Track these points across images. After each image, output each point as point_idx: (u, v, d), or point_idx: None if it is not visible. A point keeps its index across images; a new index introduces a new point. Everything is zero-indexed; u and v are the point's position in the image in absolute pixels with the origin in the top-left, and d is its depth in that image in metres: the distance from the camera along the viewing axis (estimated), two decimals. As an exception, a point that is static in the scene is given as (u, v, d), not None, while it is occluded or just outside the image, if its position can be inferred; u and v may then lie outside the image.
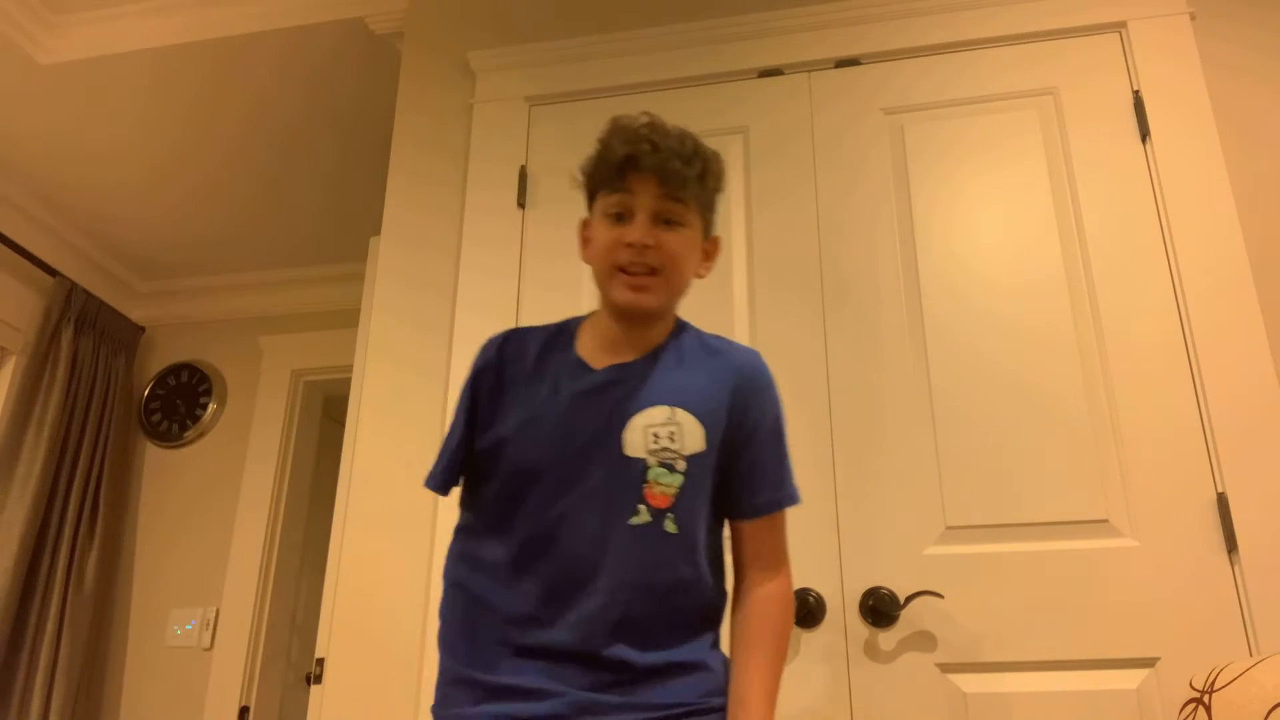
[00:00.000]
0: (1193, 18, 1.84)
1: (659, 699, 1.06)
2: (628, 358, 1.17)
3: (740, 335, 1.81)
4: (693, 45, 2.06)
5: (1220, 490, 1.55)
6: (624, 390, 1.14)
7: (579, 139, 2.02)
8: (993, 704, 1.51)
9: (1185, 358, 1.64)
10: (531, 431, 1.14)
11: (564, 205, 1.99)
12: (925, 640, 1.56)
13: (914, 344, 1.74)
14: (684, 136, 1.16)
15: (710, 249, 1.23)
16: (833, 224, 1.86)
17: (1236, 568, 1.51)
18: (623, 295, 1.14)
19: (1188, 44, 1.82)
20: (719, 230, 1.25)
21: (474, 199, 2.02)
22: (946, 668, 1.54)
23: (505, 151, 2.05)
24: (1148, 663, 1.48)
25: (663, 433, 1.11)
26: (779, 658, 1.13)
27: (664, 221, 1.14)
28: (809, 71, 1.99)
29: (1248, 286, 1.65)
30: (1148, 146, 1.78)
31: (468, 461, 1.19)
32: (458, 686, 1.10)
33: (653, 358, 1.18)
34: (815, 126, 1.94)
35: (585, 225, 1.23)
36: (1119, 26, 1.87)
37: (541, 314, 1.90)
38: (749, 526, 1.19)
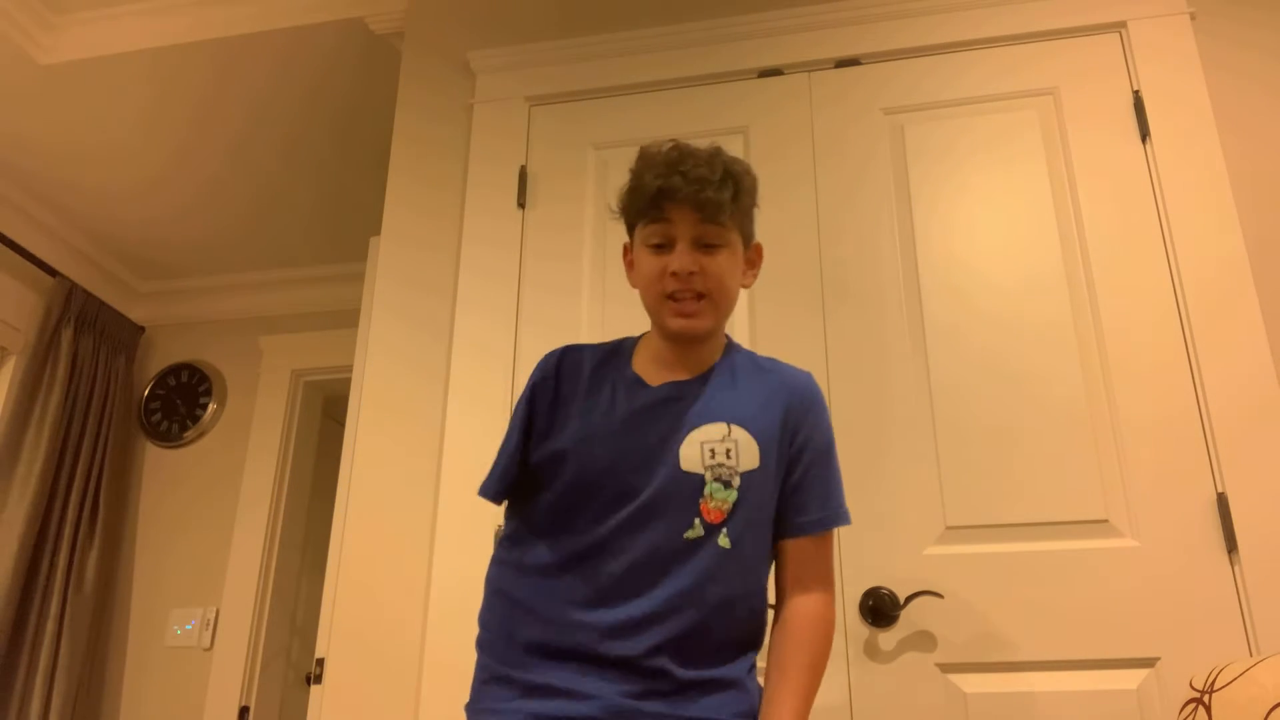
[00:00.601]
0: (1193, 18, 1.84)
1: (693, 713, 1.07)
2: (682, 376, 1.20)
3: (740, 334, 1.81)
4: (693, 45, 2.06)
5: (1220, 490, 1.55)
6: (681, 407, 1.17)
7: (579, 139, 2.05)
8: (993, 704, 1.51)
9: (1185, 358, 1.64)
10: (591, 445, 1.17)
11: (564, 205, 1.99)
12: (925, 640, 1.56)
13: (914, 344, 1.74)
14: (712, 160, 1.17)
15: (754, 257, 1.26)
16: (833, 224, 1.86)
17: (1236, 568, 1.51)
18: (674, 323, 1.17)
19: (1188, 44, 1.82)
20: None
21: (474, 199, 2.02)
22: (946, 668, 1.54)
23: (505, 151, 2.05)
24: (1148, 663, 1.48)
25: (719, 449, 1.14)
26: (813, 680, 1.11)
27: (704, 246, 1.16)
28: (809, 71, 1.99)
29: (1248, 286, 1.65)
30: (1148, 147, 1.78)
31: (521, 473, 1.22)
32: (493, 684, 1.12)
33: (706, 376, 1.21)
34: (815, 127, 1.94)
35: (627, 250, 1.28)
36: (1119, 26, 1.87)
37: (542, 315, 1.90)
38: (793, 545, 1.18)
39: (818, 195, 1.88)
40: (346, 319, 3.32)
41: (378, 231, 2.11)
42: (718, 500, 1.11)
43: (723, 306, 1.19)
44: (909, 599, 1.55)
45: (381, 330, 1.98)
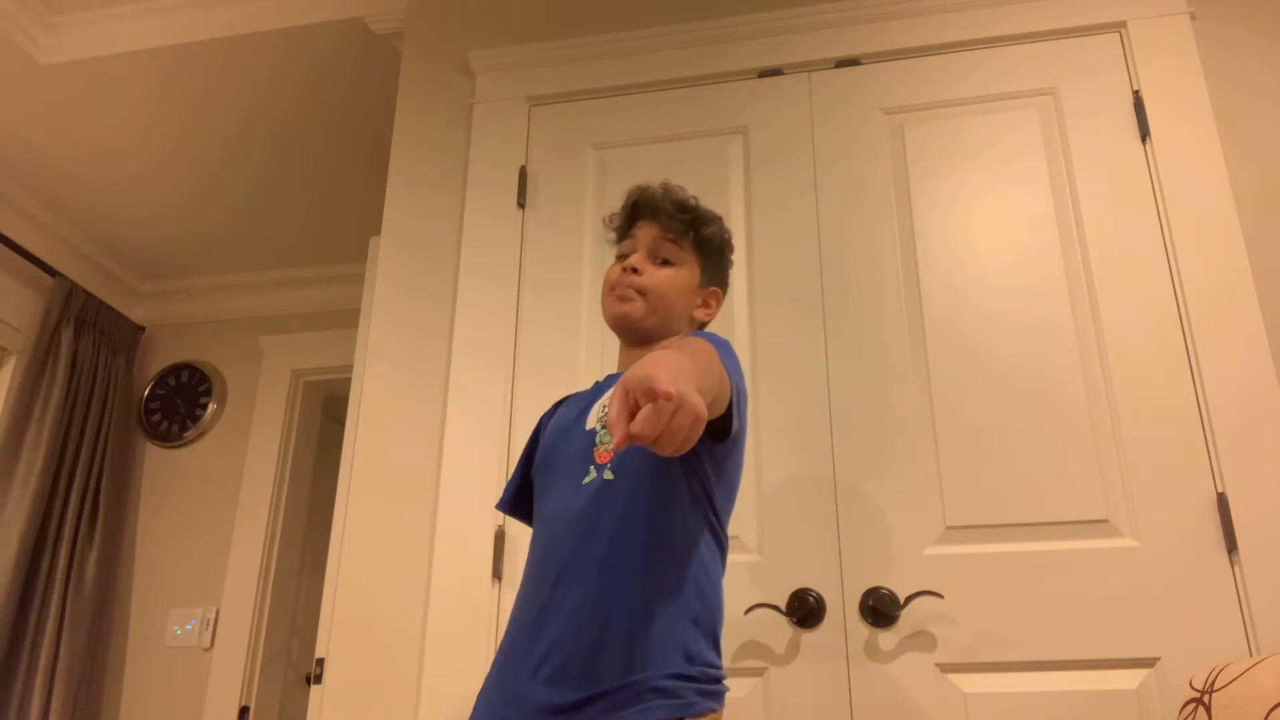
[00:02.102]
0: (1193, 18, 1.84)
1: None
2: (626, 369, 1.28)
3: (740, 332, 1.81)
4: (693, 45, 2.06)
5: (1220, 490, 1.55)
6: (604, 389, 1.28)
7: (579, 139, 2.05)
8: (993, 704, 1.51)
9: (1185, 358, 1.64)
10: (545, 438, 1.32)
11: (564, 207, 1.99)
12: (925, 640, 1.56)
13: (914, 343, 1.74)
14: (688, 198, 1.35)
15: (710, 299, 1.37)
16: (832, 224, 1.86)
17: (1236, 568, 1.51)
18: (610, 308, 1.31)
19: (1188, 44, 1.82)
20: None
21: (474, 199, 2.02)
22: (946, 668, 1.54)
23: (505, 152, 2.05)
24: (1148, 663, 1.48)
25: (606, 401, 1.22)
26: (693, 354, 0.99)
27: (660, 260, 1.32)
28: (809, 72, 1.99)
29: (1248, 286, 1.65)
30: (1148, 146, 1.78)
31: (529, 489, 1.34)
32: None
33: None
34: (815, 127, 1.94)
35: None
36: (1119, 26, 1.87)
37: (542, 316, 1.91)
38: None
39: (818, 196, 1.88)
40: (346, 319, 3.32)
41: (378, 231, 2.11)
42: (605, 445, 1.18)
43: (658, 307, 1.29)
44: (909, 599, 1.55)
45: (381, 332, 1.98)
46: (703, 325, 1.37)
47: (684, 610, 1.09)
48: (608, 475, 1.15)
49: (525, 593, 1.17)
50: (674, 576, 1.11)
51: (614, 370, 1.41)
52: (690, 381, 0.85)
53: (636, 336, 1.31)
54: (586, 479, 1.17)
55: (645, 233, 1.34)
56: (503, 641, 1.17)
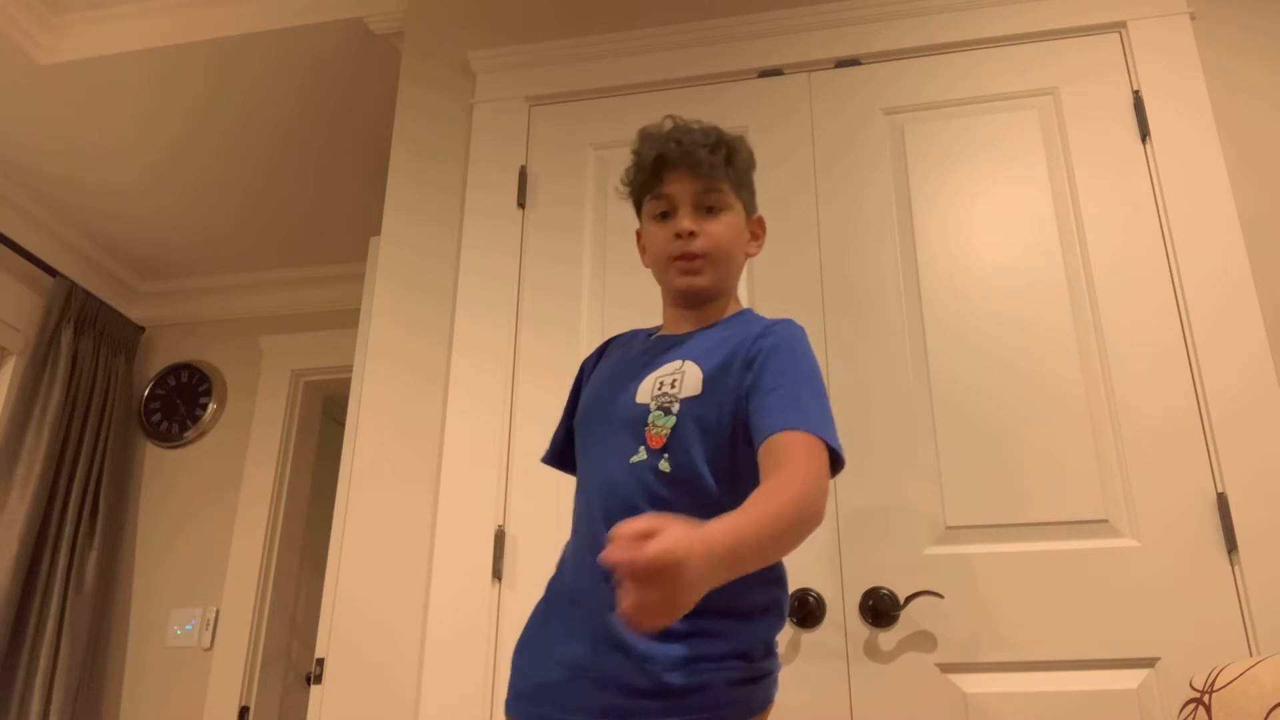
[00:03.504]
0: (1193, 18, 1.84)
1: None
2: (680, 331, 1.25)
3: (740, 335, 1.81)
4: (693, 45, 2.06)
5: (1220, 490, 1.55)
6: (658, 352, 1.22)
7: (579, 139, 2.05)
8: (993, 704, 1.51)
9: (1185, 357, 1.64)
10: (590, 387, 1.29)
11: (564, 207, 1.99)
12: (925, 640, 1.56)
13: (914, 343, 1.74)
14: (706, 129, 1.24)
15: (756, 229, 1.31)
16: (833, 225, 1.86)
17: (1236, 568, 1.51)
18: (678, 280, 1.23)
19: (1188, 44, 1.82)
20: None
21: (474, 200, 2.02)
22: (946, 668, 1.54)
23: (505, 152, 2.05)
24: (1148, 663, 1.48)
25: (667, 380, 1.17)
26: (767, 513, 0.95)
27: (706, 210, 1.22)
28: (809, 72, 1.99)
29: (1248, 286, 1.65)
30: (1148, 146, 1.78)
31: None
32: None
33: (700, 332, 1.23)
34: (815, 127, 1.94)
35: (639, 235, 1.33)
36: (1119, 26, 1.87)
37: (542, 316, 1.90)
38: (761, 450, 1.08)
39: (818, 196, 1.88)
40: (346, 319, 3.32)
41: (378, 231, 2.11)
42: (659, 427, 1.13)
43: (723, 267, 1.23)
44: (909, 599, 1.55)
45: (381, 332, 1.98)
46: (748, 258, 1.29)
47: (738, 596, 1.06)
48: (664, 466, 1.11)
49: (573, 547, 1.20)
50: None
51: (660, 326, 1.32)
52: (720, 569, 0.86)
53: (700, 301, 1.25)
54: (635, 458, 1.12)
55: (682, 186, 1.22)
56: (555, 581, 1.21)
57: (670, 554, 0.78)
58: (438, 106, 2.15)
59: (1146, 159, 1.77)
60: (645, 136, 1.26)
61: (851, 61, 1.98)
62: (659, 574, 0.78)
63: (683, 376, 1.15)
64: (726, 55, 2.04)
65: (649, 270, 1.31)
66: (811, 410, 1.08)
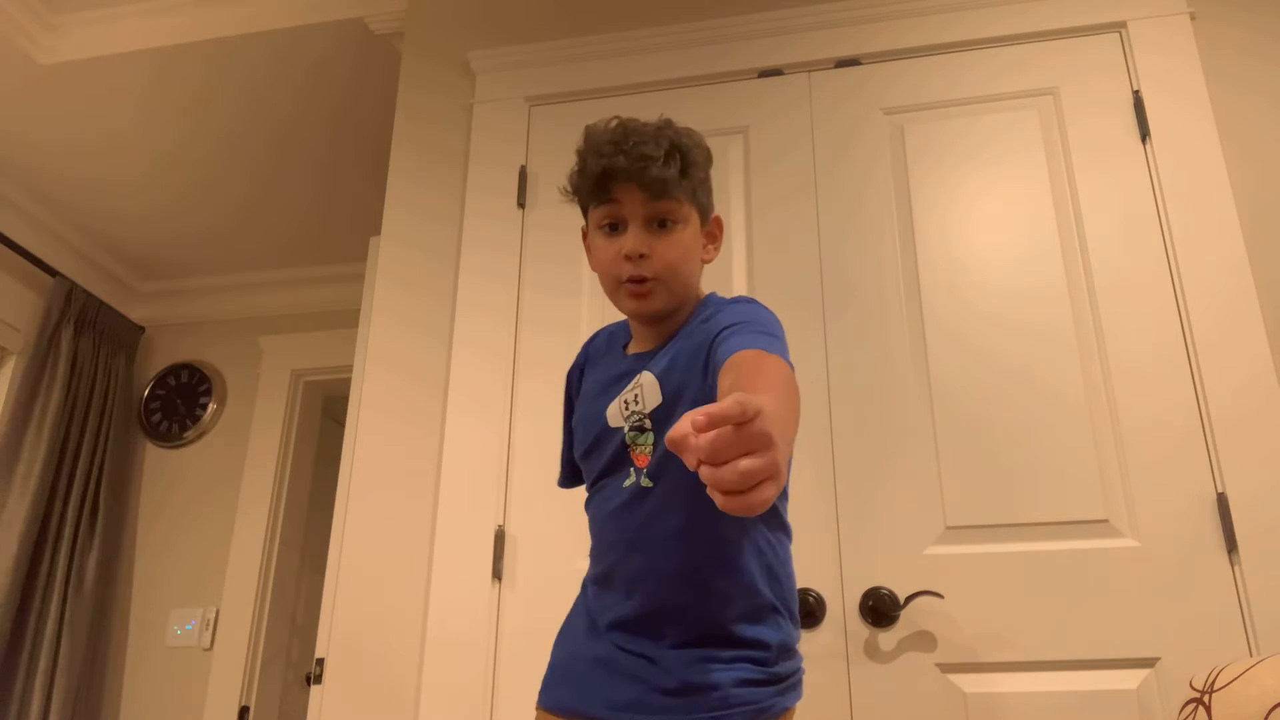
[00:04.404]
0: (1193, 18, 1.84)
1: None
2: (648, 348, 1.21)
3: (740, 335, 1.81)
4: (693, 45, 2.06)
5: (1220, 490, 1.55)
6: (628, 372, 1.19)
7: (579, 139, 2.04)
8: (993, 704, 1.51)
9: (1185, 357, 1.64)
10: (580, 410, 1.25)
11: (564, 207, 1.97)
12: (925, 640, 1.56)
13: (914, 343, 1.74)
14: (659, 134, 1.14)
15: (714, 230, 1.24)
16: (833, 225, 1.86)
17: (1236, 568, 1.51)
18: (627, 305, 1.18)
19: (1188, 44, 1.82)
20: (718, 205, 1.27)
21: (474, 200, 2.02)
22: (946, 668, 1.54)
23: (505, 152, 2.05)
24: (1148, 663, 1.48)
25: (630, 398, 1.14)
26: (785, 397, 0.86)
27: (658, 224, 1.14)
28: (809, 72, 1.99)
29: (1248, 286, 1.65)
30: (1148, 146, 1.78)
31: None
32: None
33: (664, 346, 1.20)
34: (815, 127, 1.94)
35: (585, 234, 1.26)
36: (1119, 26, 1.87)
37: (542, 316, 1.90)
38: (724, 368, 0.98)
39: (818, 197, 1.88)
40: (346, 319, 3.32)
41: (378, 231, 2.11)
42: (639, 447, 1.12)
43: (676, 286, 1.16)
44: (909, 599, 1.55)
45: (381, 332, 1.98)
46: (705, 264, 1.23)
47: (749, 604, 1.09)
48: (645, 483, 1.10)
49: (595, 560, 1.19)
50: (732, 579, 1.08)
51: (627, 341, 1.28)
52: (788, 448, 0.75)
53: (656, 320, 1.20)
54: (626, 481, 1.12)
55: (631, 199, 1.13)
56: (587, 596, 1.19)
57: (756, 403, 0.63)
58: (438, 106, 2.15)
59: (1146, 159, 1.77)
60: (590, 140, 1.16)
61: (851, 61, 1.98)
62: (754, 430, 0.63)
63: (642, 391, 1.14)
64: (726, 55, 2.04)
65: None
66: (778, 346, 1.02)
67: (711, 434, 0.62)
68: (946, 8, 1.95)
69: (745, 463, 0.62)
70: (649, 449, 1.11)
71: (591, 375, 1.28)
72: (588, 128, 1.19)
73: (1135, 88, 1.82)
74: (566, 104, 2.08)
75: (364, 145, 2.83)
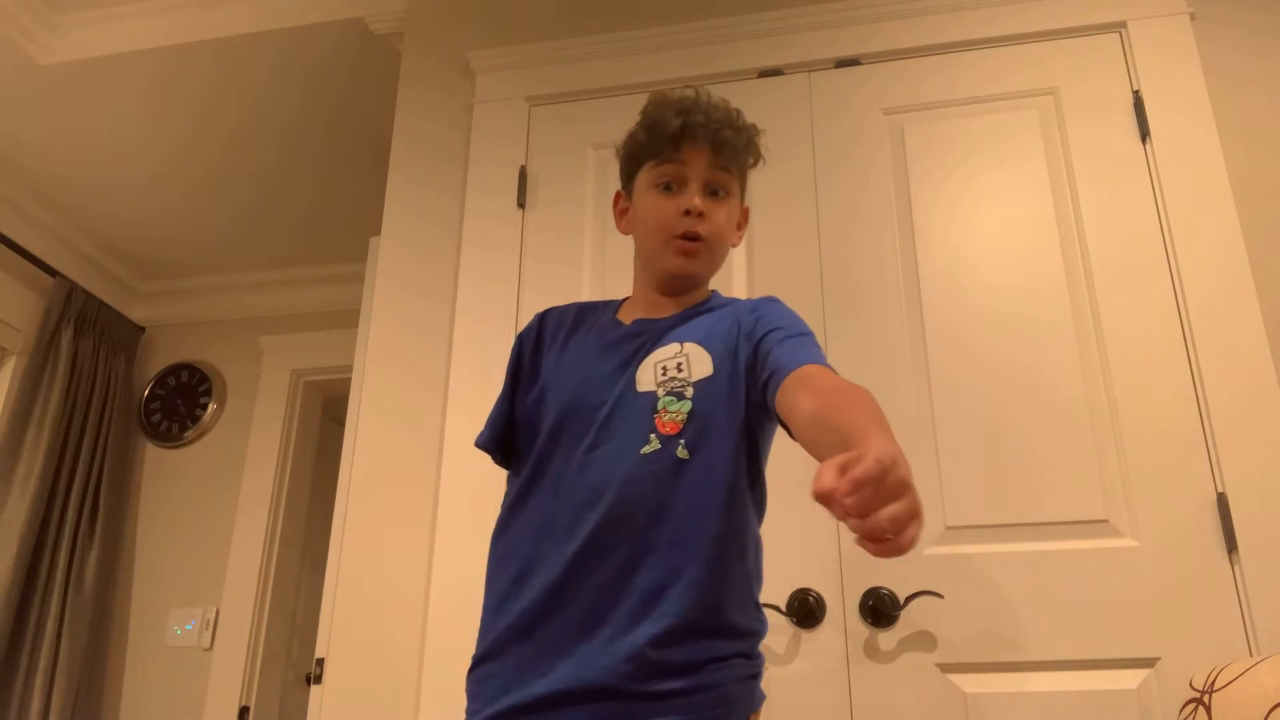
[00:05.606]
0: (1193, 18, 1.84)
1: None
2: (659, 315, 1.20)
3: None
4: (692, 45, 2.06)
5: (1220, 490, 1.55)
6: (645, 339, 1.17)
7: (579, 139, 2.05)
8: (993, 704, 1.51)
9: (1185, 357, 1.64)
10: (562, 376, 1.18)
11: (564, 207, 1.99)
12: (925, 640, 1.56)
13: (914, 343, 1.74)
14: (730, 108, 1.20)
15: (742, 220, 1.26)
16: (833, 225, 1.86)
17: (1236, 568, 1.51)
18: (672, 260, 1.17)
19: (1188, 44, 1.82)
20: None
21: (474, 200, 2.02)
22: (946, 668, 1.54)
23: (505, 152, 2.05)
24: (1148, 663, 1.48)
25: (670, 365, 1.12)
26: (871, 407, 0.92)
27: (712, 192, 1.18)
28: (809, 72, 1.99)
29: (1248, 286, 1.65)
30: (1148, 146, 1.78)
31: (519, 425, 1.22)
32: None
33: (677, 316, 1.20)
34: (815, 127, 1.94)
35: (620, 197, 1.27)
36: (1119, 26, 1.87)
37: (541, 314, 1.90)
38: (790, 380, 1.03)
39: (818, 197, 1.88)
40: (346, 319, 3.32)
41: (377, 231, 2.11)
42: (671, 413, 1.08)
43: (716, 255, 1.20)
44: (909, 599, 1.55)
45: (381, 332, 1.98)
46: (733, 246, 1.26)
47: (745, 592, 1.08)
48: (681, 453, 1.06)
49: (525, 554, 1.12)
50: (737, 563, 1.07)
51: (614, 302, 1.29)
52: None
53: (684, 287, 1.21)
54: (646, 448, 1.07)
55: (697, 160, 1.17)
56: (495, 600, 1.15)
57: (890, 454, 0.70)
58: (438, 106, 2.15)
59: (1146, 159, 1.77)
60: (665, 101, 1.20)
61: (851, 61, 1.98)
62: (892, 480, 0.70)
63: (688, 360, 1.12)
64: (726, 55, 2.04)
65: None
66: (823, 355, 1.08)
67: (861, 495, 0.69)
68: (946, 8, 1.95)
69: (892, 509, 0.69)
70: (682, 417, 1.08)
71: (569, 343, 1.23)
72: (654, 92, 1.23)
73: (1135, 88, 1.82)
74: (566, 104, 2.08)
75: (364, 145, 2.83)
